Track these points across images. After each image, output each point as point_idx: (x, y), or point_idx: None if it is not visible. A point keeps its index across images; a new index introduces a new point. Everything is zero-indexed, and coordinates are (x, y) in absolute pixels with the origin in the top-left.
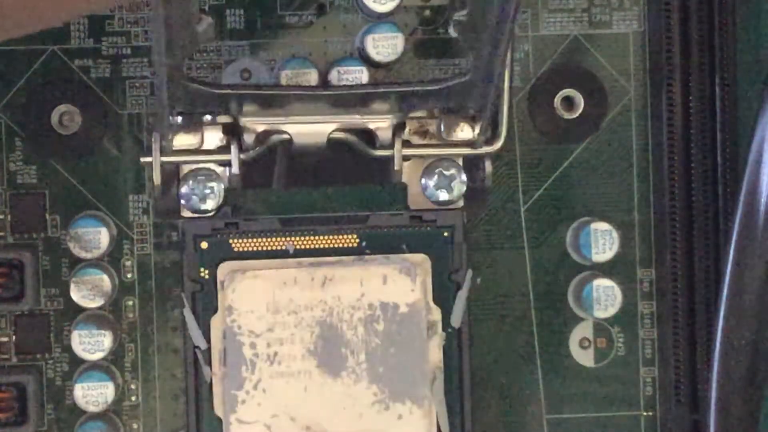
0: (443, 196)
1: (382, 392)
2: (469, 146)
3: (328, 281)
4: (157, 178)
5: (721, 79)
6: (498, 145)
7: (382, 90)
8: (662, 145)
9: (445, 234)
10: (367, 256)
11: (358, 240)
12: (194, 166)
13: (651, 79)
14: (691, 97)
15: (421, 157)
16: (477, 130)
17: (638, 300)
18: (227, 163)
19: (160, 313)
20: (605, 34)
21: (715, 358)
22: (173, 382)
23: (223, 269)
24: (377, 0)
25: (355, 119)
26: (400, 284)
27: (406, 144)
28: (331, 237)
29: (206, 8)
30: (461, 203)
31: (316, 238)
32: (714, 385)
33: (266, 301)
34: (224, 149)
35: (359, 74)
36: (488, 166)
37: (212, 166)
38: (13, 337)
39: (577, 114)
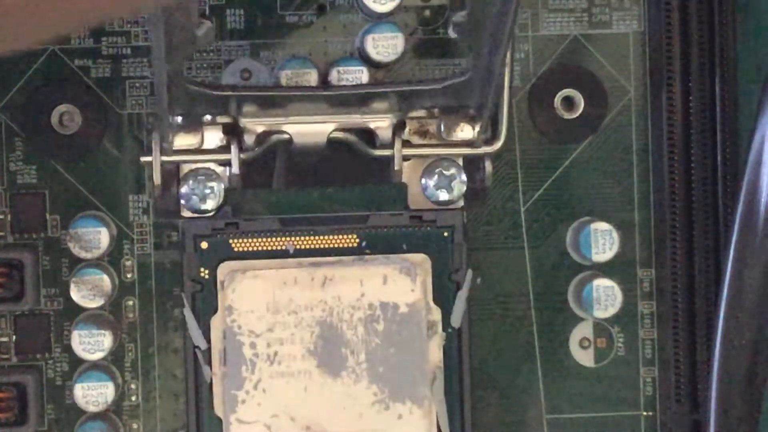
0: (443, 196)
1: (382, 392)
2: (469, 146)
3: (328, 281)
4: (157, 178)
5: (721, 79)
6: (498, 145)
7: (382, 90)
8: (662, 145)
9: (445, 234)
10: (367, 256)
11: (358, 240)
12: (194, 166)
13: (651, 79)
14: (691, 97)
15: (421, 157)
16: (477, 130)
17: (638, 300)
18: (227, 163)
19: (160, 313)
20: (605, 34)
21: (715, 358)
22: (173, 382)
23: (223, 269)
24: (377, 0)
25: (355, 119)
26: (400, 284)
27: (406, 144)
28: (331, 237)
29: (206, 9)
30: (461, 203)
31: (316, 238)
32: (714, 385)
33: (266, 301)
34: (224, 149)
35: (359, 74)
36: (488, 166)
37: (212, 166)
38: (13, 337)
39: (577, 114)
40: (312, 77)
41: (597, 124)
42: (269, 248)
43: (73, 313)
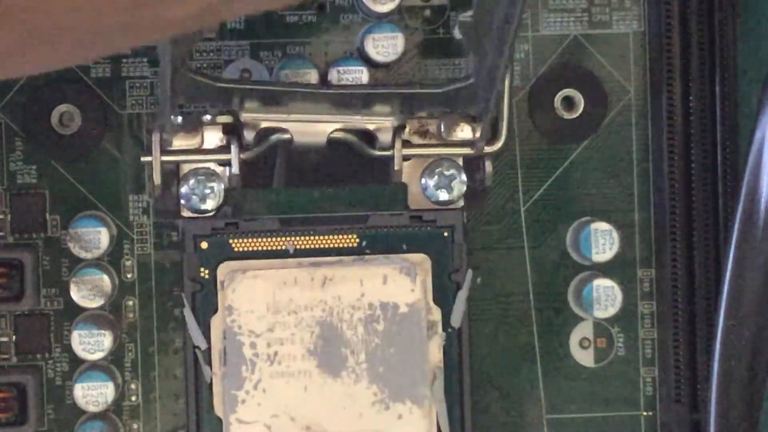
0: (443, 196)
1: (382, 392)
2: (469, 146)
3: (328, 281)
4: (157, 178)
5: (721, 79)
6: (498, 145)
7: (385, 91)
8: (662, 145)
9: (445, 234)
10: (367, 256)
11: (358, 240)
12: (194, 166)
13: (651, 79)
14: (691, 97)
15: (421, 157)
16: (478, 133)
17: (638, 300)
18: (227, 163)
19: (160, 313)
20: (605, 34)
21: (715, 358)
22: (173, 382)
23: (223, 269)
24: (377, 0)
25: (356, 120)
26: (400, 284)
27: (406, 144)
28: (331, 237)
29: None
30: (461, 203)
31: (316, 238)
32: (714, 385)
33: (266, 301)
34: (224, 149)
35: (359, 74)
36: (488, 166)
37: (212, 166)
38: (13, 337)
39: (577, 114)
40: (312, 77)
41: (597, 124)
42: (269, 248)
43: (73, 313)
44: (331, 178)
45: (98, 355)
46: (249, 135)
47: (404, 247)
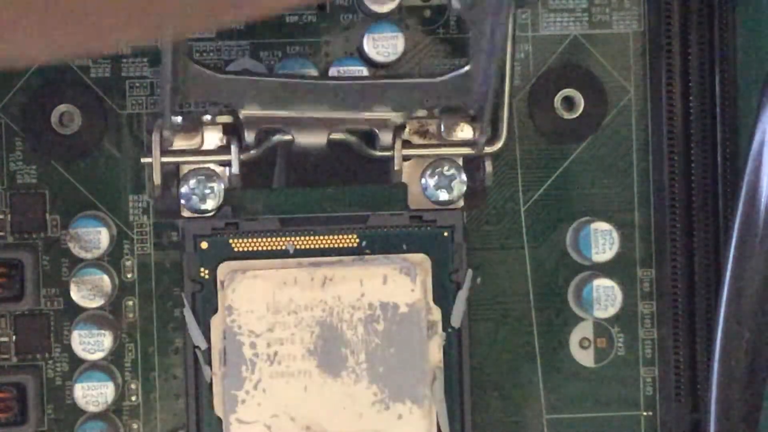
0: (443, 196)
1: (382, 392)
2: (469, 146)
3: (328, 281)
4: (157, 178)
5: (721, 79)
6: (498, 145)
7: (383, 81)
8: (662, 145)
9: (445, 234)
10: (367, 256)
11: (358, 240)
12: (194, 166)
13: (651, 79)
14: (691, 97)
15: (421, 157)
16: (478, 131)
17: (638, 300)
18: (227, 163)
19: (160, 313)
20: (605, 34)
21: (715, 358)
22: (173, 382)
23: (223, 269)
24: (377, 0)
25: (356, 120)
26: (400, 284)
27: (406, 144)
28: (331, 237)
29: None
30: (461, 203)
31: (316, 238)
32: (714, 385)
33: (266, 301)
34: (224, 149)
35: (359, 74)
36: (488, 166)
37: (212, 166)
38: (13, 337)
39: (577, 114)
40: None
41: (597, 124)
42: (269, 248)
43: (73, 313)
44: (331, 178)
45: (98, 355)
46: (249, 136)
47: (404, 247)
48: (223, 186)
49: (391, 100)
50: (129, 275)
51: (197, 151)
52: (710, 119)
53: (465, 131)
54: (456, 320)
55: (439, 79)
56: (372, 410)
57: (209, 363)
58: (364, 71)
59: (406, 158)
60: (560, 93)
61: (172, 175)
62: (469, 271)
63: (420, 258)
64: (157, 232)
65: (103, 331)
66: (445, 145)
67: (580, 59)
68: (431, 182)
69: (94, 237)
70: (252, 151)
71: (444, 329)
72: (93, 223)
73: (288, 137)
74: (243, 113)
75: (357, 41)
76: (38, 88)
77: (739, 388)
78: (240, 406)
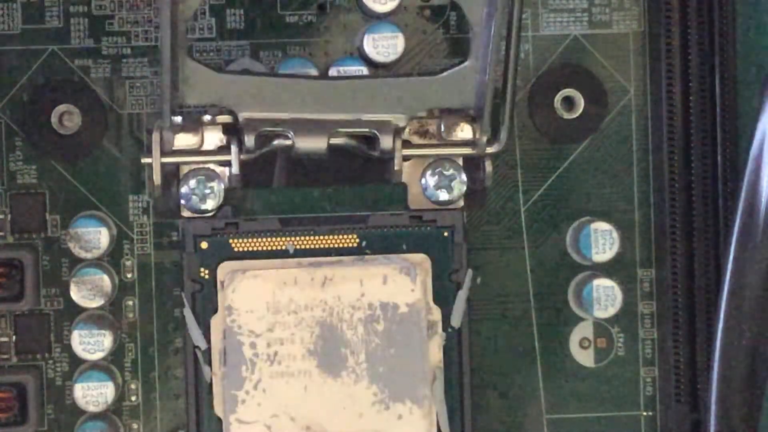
0: (443, 196)
1: (382, 392)
2: (469, 146)
3: (328, 281)
4: (157, 178)
5: (721, 79)
6: (498, 146)
7: (382, 78)
8: (662, 145)
9: (445, 234)
10: (367, 256)
11: (358, 240)
12: (194, 166)
13: (651, 79)
14: (691, 97)
15: (421, 157)
16: (478, 131)
17: (638, 300)
18: (227, 163)
19: (160, 313)
20: (605, 34)
21: (715, 358)
22: (173, 382)
23: (223, 269)
24: (377, 0)
25: (357, 122)
26: (400, 284)
27: (406, 144)
28: (331, 237)
29: (206, 8)
30: (461, 203)
31: (316, 238)
32: (714, 385)
33: (266, 301)
34: (224, 149)
35: (359, 74)
36: (488, 166)
37: (212, 166)
38: (13, 337)
39: (577, 114)
40: None
41: (597, 124)
42: (269, 248)
43: (73, 313)
44: (331, 178)
45: (98, 355)
46: (249, 140)
47: (404, 247)
48: (223, 186)
49: (391, 100)
50: (129, 275)
51: (197, 151)
52: (710, 119)
53: (465, 131)
54: (456, 320)
55: (438, 76)
56: (372, 410)
57: (209, 363)
58: (364, 71)
59: (406, 158)
60: (560, 93)
61: (172, 175)
62: (469, 271)
63: (420, 258)
64: (157, 232)
65: (103, 331)
66: (445, 145)
67: (580, 59)
68: (431, 182)
69: (94, 237)
70: (252, 154)
71: (444, 329)
72: (93, 223)
73: (288, 142)
74: (243, 116)
75: (357, 41)
76: (38, 88)
77: (739, 388)
78: (240, 406)
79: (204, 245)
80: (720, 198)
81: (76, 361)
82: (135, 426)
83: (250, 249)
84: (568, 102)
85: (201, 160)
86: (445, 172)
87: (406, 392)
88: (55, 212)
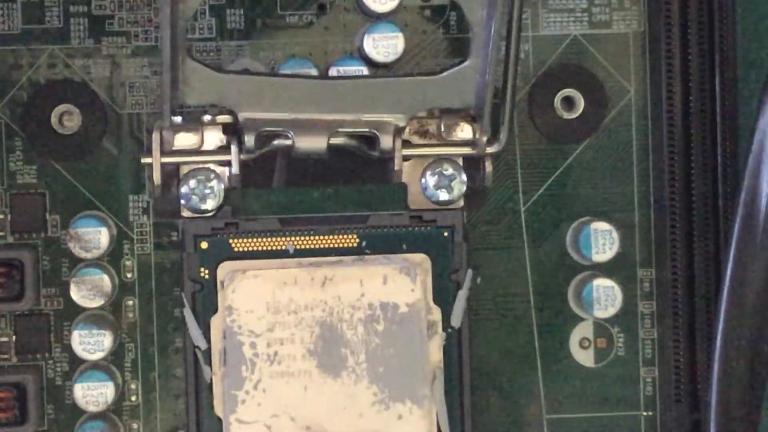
0: (443, 196)
1: (382, 392)
2: (469, 146)
3: (328, 281)
4: (157, 178)
5: (721, 79)
6: (498, 146)
7: (382, 78)
8: (662, 145)
9: (445, 234)
10: (367, 256)
11: (358, 240)
12: (194, 166)
13: (651, 79)
14: (691, 97)
15: (421, 157)
16: (478, 131)
17: (638, 300)
18: (227, 163)
19: (160, 313)
20: (605, 34)
21: (715, 358)
22: (173, 382)
23: (223, 269)
24: (377, 0)
25: (357, 122)
26: (400, 284)
27: (406, 144)
28: (331, 237)
29: (206, 8)
30: (461, 203)
31: (316, 238)
32: (714, 385)
33: (266, 301)
34: (224, 149)
35: (359, 74)
36: (488, 166)
37: (212, 166)
38: (13, 337)
39: (577, 114)
40: None
41: (597, 124)
42: (269, 248)
43: (73, 313)
44: (331, 178)
45: (98, 355)
46: (249, 140)
47: (404, 247)
48: (223, 186)
49: (391, 100)
50: (129, 275)
51: (197, 151)
52: (710, 119)
53: (465, 131)
54: (456, 320)
55: (438, 76)
56: (372, 410)
57: (209, 363)
58: (364, 71)
59: (406, 158)
60: (560, 93)
61: (172, 175)
62: (469, 271)
63: (420, 258)
64: (157, 232)
65: (103, 331)
66: (445, 145)
67: (580, 59)
68: (431, 182)
69: (94, 237)
70: (252, 154)
71: (444, 329)
72: (93, 223)
73: (288, 142)
74: (243, 116)
75: (357, 41)
76: (38, 88)
77: (739, 388)
78: (240, 406)
79: (204, 245)
80: (720, 198)
81: (76, 361)
82: (135, 426)
83: (250, 249)
84: (568, 102)
85: (201, 160)
86: (445, 172)
87: (406, 392)
88: (55, 212)
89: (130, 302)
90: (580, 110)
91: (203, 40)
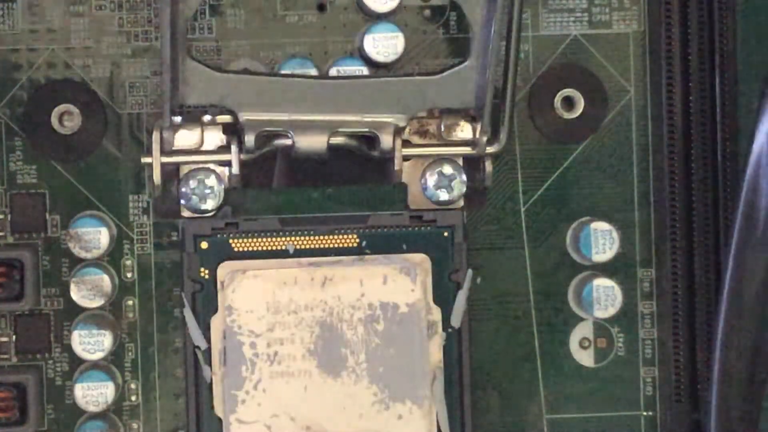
0: (443, 196)
1: (382, 392)
2: (469, 146)
3: (328, 281)
4: (157, 178)
5: (721, 79)
6: (498, 146)
7: (383, 78)
8: (662, 145)
9: (445, 234)
10: (367, 256)
11: (358, 240)
12: (194, 166)
13: (651, 79)
14: (691, 97)
15: (421, 157)
16: (478, 131)
17: (638, 300)
18: (227, 163)
19: (160, 313)
20: (605, 34)
21: (715, 358)
22: (173, 382)
23: (223, 269)
24: (377, 0)
25: (357, 122)
26: (400, 284)
27: (406, 144)
28: (331, 237)
29: (206, 8)
30: (461, 203)
31: (316, 238)
32: (714, 385)
33: (266, 301)
34: (224, 149)
35: (359, 74)
36: (488, 166)
37: (212, 166)
38: (13, 337)
39: (577, 114)
40: None
41: (597, 124)
42: (269, 248)
43: (73, 313)
44: (331, 178)
45: (98, 355)
46: (249, 140)
47: (404, 247)
48: (223, 186)
49: (391, 100)
50: (129, 275)
51: (197, 151)
52: (710, 119)
53: (465, 131)
54: (456, 320)
55: (438, 76)
56: (372, 410)
57: (209, 363)
58: (364, 71)
59: (406, 158)
60: (560, 93)
61: (172, 175)
62: (469, 271)
63: (420, 258)
64: (157, 232)
65: (103, 331)
66: (445, 145)
67: (580, 59)
68: (431, 182)
69: (94, 237)
70: (252, 154)
71: (444, 329)
72: (93, 223)
73: (288, 142)
74: (243, 116)
75: (357, 41)
76: (38, 88)
77: (739, 388)
78: (240, 406)
79: (204, 245)
80: (720, 198)
81: (76, 361)
82: (135, 426)
83: (250, 249)
84: (568, 102)
85: (201, 160)
86: (445, 172)
87: (406, 392)
88: (55, 212)
89: (130, 302)
90: (580, 110)
91: (203, 40)
